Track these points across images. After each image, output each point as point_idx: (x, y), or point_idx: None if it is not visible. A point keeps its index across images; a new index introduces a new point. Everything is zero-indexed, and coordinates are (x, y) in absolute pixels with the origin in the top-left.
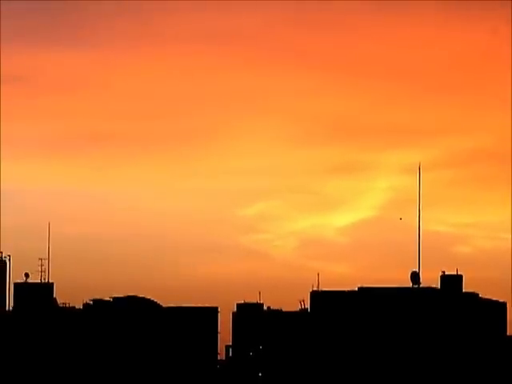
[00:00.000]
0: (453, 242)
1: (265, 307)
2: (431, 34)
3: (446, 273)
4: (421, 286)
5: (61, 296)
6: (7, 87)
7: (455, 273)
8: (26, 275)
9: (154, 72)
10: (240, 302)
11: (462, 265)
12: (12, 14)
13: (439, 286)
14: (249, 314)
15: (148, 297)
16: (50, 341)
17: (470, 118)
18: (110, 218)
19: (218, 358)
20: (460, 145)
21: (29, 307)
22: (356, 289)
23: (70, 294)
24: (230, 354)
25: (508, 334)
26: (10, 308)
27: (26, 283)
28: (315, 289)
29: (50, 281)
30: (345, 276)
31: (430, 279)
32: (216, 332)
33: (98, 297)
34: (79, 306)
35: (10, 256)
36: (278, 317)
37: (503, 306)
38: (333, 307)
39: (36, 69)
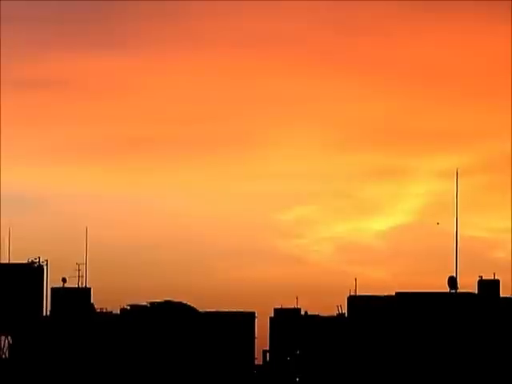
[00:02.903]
0: (490, 246)
1: (302, 312)
2: (469, 38)
3: (484, 278)
4: (458, 291)
5: (98, 301)
6: (46, 92)
7: (492, 278)
8: (64, 280)
9: (194, 76)
10: (277, 306)
11: (499, 270)
12: (51, 18)
13: (477, 291)
14: (286, 319)
15: (185, 301)
16: (87, 346)
17: (507, 123)
18: (148, 222)
19: (255, 362)
20: (497, 149)
21: (66, 312)
22: (393, 294)
23: (108, 298)
24: (268, 359)
25: None
26: (47, 313)
27: (63, 288)
28: (352, 294)
29: (88, 286)
30: (382, 281)
31: (468, 284)
32: (253, 337)
33: (135, 302)
34: (116, 311)
35: (47, 261)
36: (315, 321)
37: None
38: (370, 312)
39: (75, 74)
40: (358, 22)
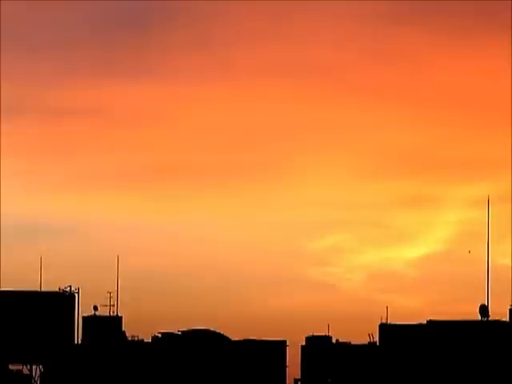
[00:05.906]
0: None
1: (333, 340)
2: (501, 66)
3: None
4: (490, 319)
5: (129, 329)
6: (79, 120)
7: None
8: (95, 308)
9: (225, 105)
10: (309, 334)
11: None
12: (82, 46)
13: (508, 319)
14: (317, 347)
15: (216, 330)
16: (119, 374)
17: None
18: (179, 250)
19: None
20: None
21: (98, 340)
22: (425, 322)
23: (139, 326)
24: None
25: None
26: (79, 341)
27: (94, 316)
28: (384, 322)
29: (119, 314)
30: (414, 309)
31: (499, 312)
32: (284, 365)
33: (166, 330)
34: (148, 339)
35: (78, 289)
36: (346, 349)
37: None
38: (401, 340)
39: (107, 102)
40: (392, 51)
